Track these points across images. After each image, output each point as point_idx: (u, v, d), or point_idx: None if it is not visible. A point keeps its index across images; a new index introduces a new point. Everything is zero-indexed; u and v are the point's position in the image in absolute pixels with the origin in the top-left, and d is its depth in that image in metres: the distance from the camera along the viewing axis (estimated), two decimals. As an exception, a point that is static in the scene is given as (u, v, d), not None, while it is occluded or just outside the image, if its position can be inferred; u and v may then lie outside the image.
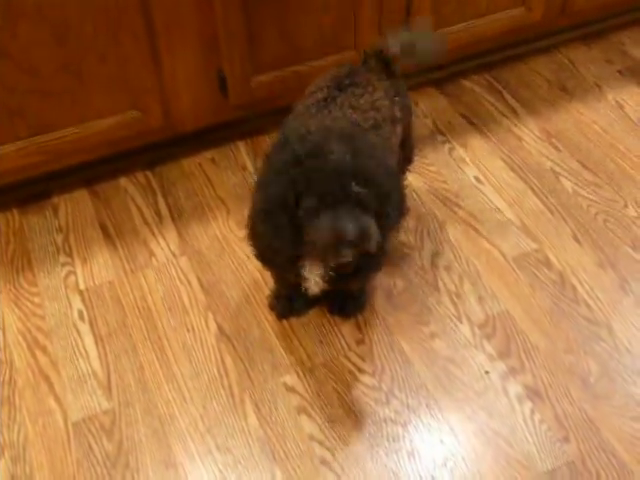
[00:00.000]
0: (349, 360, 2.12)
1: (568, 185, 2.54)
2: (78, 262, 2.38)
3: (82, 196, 2.58)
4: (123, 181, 2.63)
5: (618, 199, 2.49)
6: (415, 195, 2.51)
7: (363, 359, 2.12)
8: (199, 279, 2.32)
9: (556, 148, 2.67)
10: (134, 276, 2.34)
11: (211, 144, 2.72)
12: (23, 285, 2.33)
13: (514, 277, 2.29)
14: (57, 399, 2.07)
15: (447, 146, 2.70)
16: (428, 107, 2.85)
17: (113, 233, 2.46)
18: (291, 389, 2.06)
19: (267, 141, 2.70)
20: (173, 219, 2.50)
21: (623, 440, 1.94)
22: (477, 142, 2.70)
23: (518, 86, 2.91)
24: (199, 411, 2.03)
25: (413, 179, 2.52)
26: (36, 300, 2.29)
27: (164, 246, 2.42)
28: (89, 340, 2.19)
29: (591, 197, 2.50)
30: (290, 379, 2.08)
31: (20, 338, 2.20)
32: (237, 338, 2.17)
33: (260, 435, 1.98)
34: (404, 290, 2.27)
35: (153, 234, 2.45)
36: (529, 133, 2.72)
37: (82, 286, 2.32)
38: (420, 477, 1.89)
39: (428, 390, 2.05)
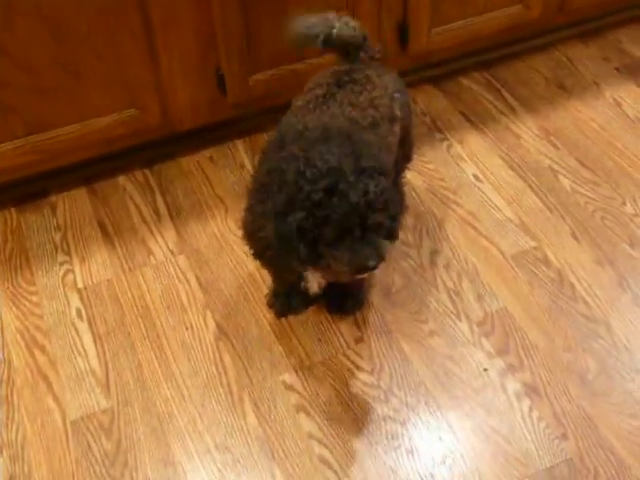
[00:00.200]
0: (348, 358, 2.12)
1: (566, 183, 2.54)
2: (76, 261, 2.38)
3: (80, 194, 2.58)
4: (121, 179, 2.63)
5: (616, 197, 2.49)
6: (414, 193, 2.51)
7: (362, 357, 2.12)
8: (197, 277, 2.32)
9: (554, 146, 2.67)
10: (132, 274, 2.34)
11: (209, 142, 2.72)
12: (21, 284, 2.33)
13: (513, 275, 2.29)
14: (55, 398, 2.07)
15: (445, 144, 2.70)
16: (426, 105, 2.85)
17: (111, 231, 2.46)
18: (290, 387, 2.06)
19: (265, 139, 2.67)
20: (171, 217, 2.50)
21: (621, 437, 1.94)
22: (475, 140, 2.70)
23: (516, 84, 2.91)
24: (198, 409, 2.03)
25: (412, 177, 2.52)
26: (34, 299, 2.29)
27: (162, 244, 2.42)
28: (87, 339, 2.19)
29: (589, 195, 2.50)
30: (289, 377, 2.08)
31: (18, 337, 2.20)
32: (235, 336, 2.17)
33: (259, 434, 1.98)
34: (403, 288, 2.27)
35: (151, 232, 2.45)
36: (527, 131, 2.72)
37: (80, 285, 2.32)
38: (419, 475, 1.89)
39: (427, 388, 2.05)
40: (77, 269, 2.36)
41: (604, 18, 3.07)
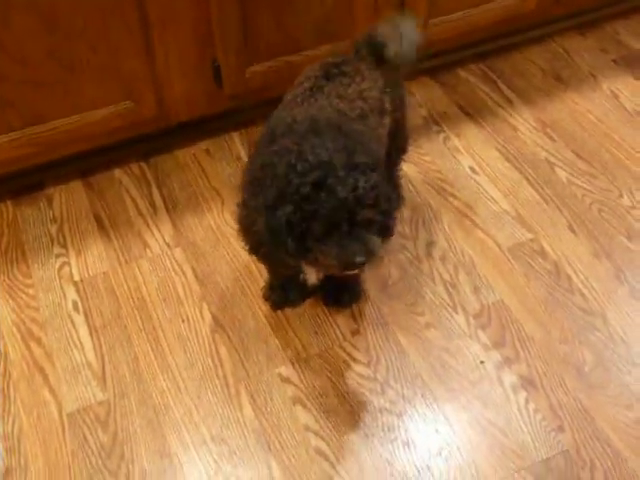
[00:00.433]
0: (344, 350, 2.12)
1: (563, 175, 2.54)
2: (72, 253, 2.38)
3: (76, 187, 2.58)
4: (117, 172, 2.62)
5: (613, 189, 2.49)
6: (410, 185, 2.51)
7: (358, 349, 2.12)
8: (194, 270, 2.32)
9: (551, 138, 2.66)
10: (128, 267, 2.34)
11: (205, 135, 2.71)
12: (17, 277, 2.32)
13: (509, 267, 2.29)
14: (52, 390, 2.07)
15: (442, 136, 2.69)
16: (423, 97, 2.84)
17: (107, 224, 2.46)
18: (286, 380, 2.06)
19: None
20: (167, 210, 2.49)
21: (617, 429, 1.94)
22: (472, 132, 2.70)
23: (513, 76, 2.91)
24: (194, 401, 2.03)
25: (408, 169, 2.52)
26: (30, 291, 2.29)
27: (158, 237, 2.41)
28: (84, 331, 2.19)
29: (586, 187, 2.50)
30: (285, 370, 2.08)
31: (14, 330, 2.20)
32: (232, 329, 2.17)
33: (255, 426, 1.98)
34: (399, 280, 2.27)
35: (147, 225, 2.45)
36: (524, 123, 2.72)
37: (76, 277, 2.31)
38: (415, 467, 1.89)
39: (423, 380, 2.05)
40: (73, 262, 2.36)
41: (602, 9, 3.07)
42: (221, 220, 2.44)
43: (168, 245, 2.39)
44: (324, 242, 1.63)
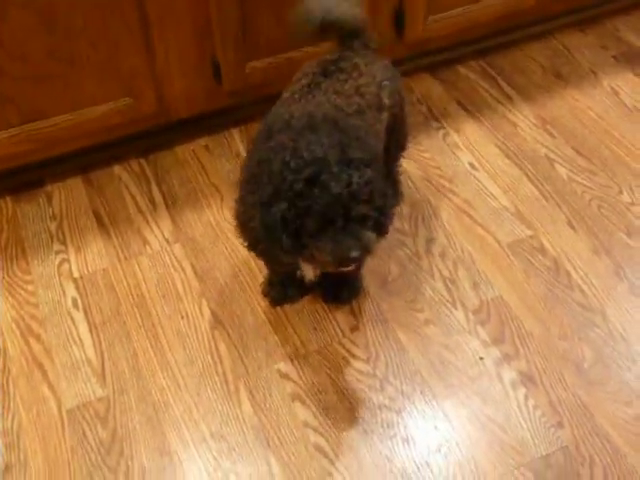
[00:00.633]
0: (343, 347, 2.12)
1: (563, 172, 2.54)
2: (72, 250, 2.38)
3: (76, 184, 2.58)
4: (117, 169, 2.62)
5: (613, 185, 2.49)
6: (410, 181, 2.51)
7: (357, 346, 2.12)
8: (193, 266, 2.32)
9: (551, 134, 2.66)
10: (128, 264, 2.34)
11: (205, 131, 2.71)
12: (17, 273, 2.33)
13: (508, 263, 2.29)
14: (51, 387, 2.07)
15: (441, 132, 2.69)
16: (423, 93, 2.84)
17: (107, 221, 2.46)
18: (285, 376, 2.06)
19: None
20: (167, 207, 2.49)
21: (617, 425, 1.94)
22: (472, 128, 2.70)
23: (513, 72, 2.90)
24: (193, 398, 2.03)
25: (407, 165, 2.52)
26: (30, 288, 2.29)
27: (158, 234, 2.41)
28: (83, 328, 2.19)
29: (586, 183, 2.50)
30: (284, 366, 2.08)
31: (14, 326, 2.20)
32: (231, 325, 2.17)
33: (254, 422, 1.98)
34: (398, 276, 2.27)
35: (147, 222, 2.45)
36: (524, 119, 2.72)
37: (76, 274, 2.31)
38: (414, 463, 1.89)
39: (422, 376, 2.05)
40: (73, 258, 2.35)
41: (602, 6, 3.07)
42: (220, 216, 2.44)
43: (167, 241, 2.39)
44: (319, 238, 1.63)
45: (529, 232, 2.37)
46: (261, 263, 2.22)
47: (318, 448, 1.92)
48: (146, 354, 2.12)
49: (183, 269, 2.31)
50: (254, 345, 2.13)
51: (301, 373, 2.07)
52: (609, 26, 3.08)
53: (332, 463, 1.89)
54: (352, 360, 2.09)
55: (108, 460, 1.92)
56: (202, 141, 2.70)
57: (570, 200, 2.45)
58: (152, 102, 2.45)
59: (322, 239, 1.63)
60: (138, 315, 2.21)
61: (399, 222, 2.38)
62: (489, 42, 2.96)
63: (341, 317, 2.18)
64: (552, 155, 2.59)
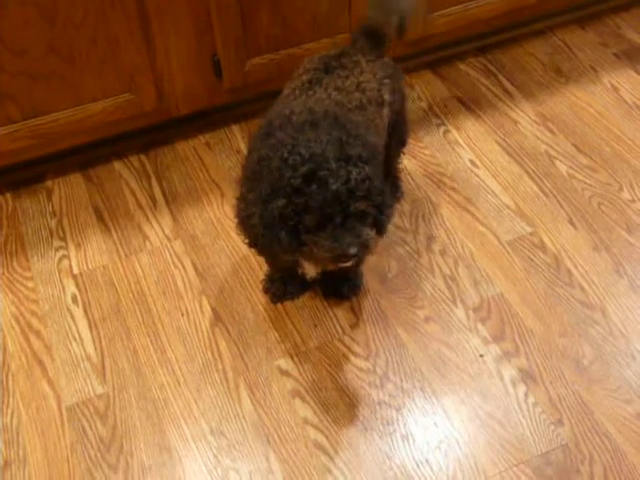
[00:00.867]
0: (343, 344, 2.12)
1: (563, 169, 2.53)
2: (72, 246, 2.38)
3: (76, 180, 2.57)
4: (117, 165, 2.62)
5: (613, 182, 2.49)
6: (410, 178, 2.51)
7: (357, 343, 2.12)
8: (193, 263, 2.32)
9: (551, 131, 2.66)
10: (128, 260, 2.34)
11: (206, 128, 2.71)
12: (17, 269, 2.32)
13: (509, 260, 2.28)
14: (51, 383, 2.07)
15: (442, 129, 2.69)
16: (423, 90, 2.84)
17: (107, 217, 2.46)
18: (285, 373, 2.06)
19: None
20: (167, 203, 2.49)
21: (616, 422, 1.94)
22: (472, 125, 2.69)
23: (513, 69, 2.90)
24: (193, 395, 2.03)
25: (408, 162, 2.52)
26: (30, 284, 2.29)
27: (158, 230, 2.41)
28: (83, 324, 2.19)
29: (586, 180, 2.50)
30: (284, 363, 2.08)
31: (14, 322, 2.20)
32: (231, 322, 2.17)
33: (254, 419, 1.98)
34: (399, 273, 2.26)
35: (147, 218, 2.45)
36: (524, 116, 2.71)
37: (76, 270, 2.31)
38: (414, 460, 1.89)
39: (422, 373, 2.05)
40: (73, 255, 2.35)
41: (603, 3, 3.06)
42: (221, 213, 2.44)
43: (168, 238, 2.39)
44: (317, 234, 1.63)
45: (529, 229, 2.36)
46: (261, 260, 2.21)
47: (318, 445, 1.92)
48: (146, 351, 2.12)
49: (183, 266, 2.31)
50: (254, 342, 2.13)
51: (301, 370, 2.07)
52: (610, 23, 3.07)
53: (332, 460, 1.89)
54: (352, 357, 2.09)
55: (108, 457, 1.93)
56: (203, 137, 2.69)
57: (570, 197, 2.45)
58: (153, 98, 2.45)
59: (320, 236, 1.62)
60: (138, 312, 2.21)
61: (399, 219, 2.38)
62: (490, 39, 2.95)
63: (341, 314, 2.18)
64: (552, 152, 2.59)
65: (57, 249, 2.37)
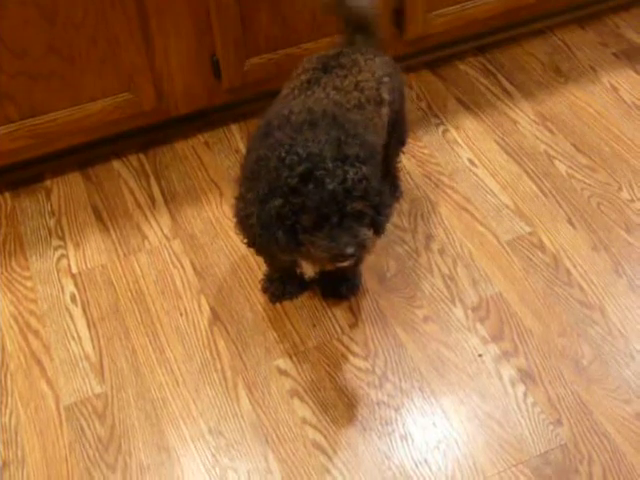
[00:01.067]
0: (342, 343, 2.12)
1: (562, 168, 2.53)
2: (70, 246, 2.38)
3: (75, 179, 2.57)
4: (116, 164, 2.62)
5: (612, 182, 2.49)
6: (409, 178, 2.51)
7: (356, 342, 2.12)
8: (192, 262, 2.31)
9: (550, 131, 2.66)
10: (127, 260, 2.33)
11: (204, 127, 2.71)
12: (15, 269, 2.32)
13: (508, 260, 2.28)
14: (49, 383, 2.07)
15: (441, 128, 2.69)
16: (422, 89, 2.83)
17: (106, 217, 2.45)
18: (284, 373, 2.06)
19: (260, 124, 2.69)
20: (166, 202, 2.49)
21: (616, 422, 1.93)
22: (471, 125, 2.69)
23: (513, 69, 2.90)
24: (192, 395, 2.03)
25: (407, 162, 2.52)
26: (28, 284, 2.29)
27: (157, 229, 2.41)
28: (81, 324, 2.19)
29: (585, 180, 2.49)
30: (283, 363, 2.08)
31: (12, 322, 2.20)
32: (230, 321, 2.17)
33: (253, 419, 1.98)
34: (397, 273, 2.26)
35: (146, 217, 2.45)
36: (524, 116, 2.71)
37: (74, 270, 2.31)
38: (413, 460, 1.89)
39: (421, 373, 2.04)
40: (71, 254, 2.35)
41: (602, 3, 3.06)
42: (220, 212, 2.44)
43: (166, 237, 2.38)
44: (314, 234, 1.63)
45: (528, 229, 2.36)
46: (260, 259, 2.21)
47: (316, 445, 1.92)
48: (145, 350, 2.12)
49: (182, 265, 2.31)
50: (253, 341, 2.13)
51: (300, 370, 2.06)
52: (609, 23, 3.07)
53: (330, 460, 1.89)
54: (351, 357, 2.09)
55: (106, 456, 1.92)
56: (201, 137, 2.69)
57: (569, 197, 2.44)
58: (152, 98, 2.45)
59: (317, 235, 1.63)
60: (137, 311, 2.20)
61: (398, 218, 2.38)
62: (489, 38, 2.95)
63: (340, 314, 2.18)
64: (551, 152, 2.59)
65: (56, 248, 2.37)
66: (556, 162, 2.55)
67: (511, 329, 2.13)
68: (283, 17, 2.44)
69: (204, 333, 2.15)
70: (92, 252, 2.36)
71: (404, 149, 2.33)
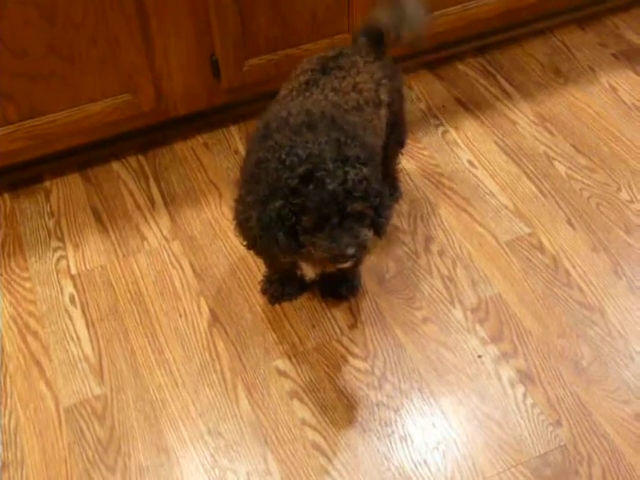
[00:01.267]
0: (341, 344, 2.11)
1: (562, 169, 2.53)
2: (70, 247, 2.37)
3: (74, 180, 2.57)
4: (115, 165, 2.62)
5: (611, 183, 2.49)
6: (408, 179, 2.50)
7: (355, 343, 2.12)
8: (191, 264, 2.31)
9: (550, 132, 2.66)
10: (126, 261, 2.33)
11: (204, 128, 2.71)
12: (14, 270, 2.32)
13: (507, 261, 2.28)
14: (48, 384, 2.07)
15: (441, 129, 2.68)
16: (422, 90, 2.83)
17: (105, 218, 2.45)
18: (283, 374, 2.06)
19: (260, 125, 2.69)
20: (165, 204, 2.49)
21: (615, 423, 1.94)
22: (471, 126, 2.69)
23: (512, 69, 2.90)
24: (191, 396, 2.03)
25: (406, 163, 2.52)
26: (27, 285, 2.28)
27: (156, 231, 2.41)
28: (81, 325, 2.18)
29: (584, 181, 2.49)
30: (282, 364, 2.08)
31: (11, 323, 2.19)
32: (229, 323, 2.17)
33: (252, 420, 1.98)
34: (397, 274, 2.26)
35: (145, 219, 2.45)
36: (523, 117, 2.71)
37: (74, 271, 2.31)
38: (412, 461, 1.89)
39: (420, 374, 2.04)
40: (70, 255, 2.35)
41: (602, 3, 3.06)
42: (219, 214, 2.44)
43: (166, 239, 2.38)
44: (315, 235, 1.63)
45: (528, 230, 2.36)
46: (259, 260, 2.21)
47: (316, 446, 1.92)
48: (144, 351, 2.12)
49: (181, 266, 2.31)
50: (252, 342, 2.13)
51: (299, 371, 2.06)
52: (609, 24, 3.07)
53: (329, 461, 1.89)
54: (350, 358, 2.09)
55: (105, 458, 1.92)
56: (201, 138, 2.69)
57: (569, 198, 2.44)
58: (151, 99, 2.44)
59: (318, 236, 1.63)
60: (136, 312, 2.20)
61: (398, 220, 2.38)
62: (489, 39, 2.95)
63: (339, 315, 2.18)
64: (551, 153, 2.59)
65: (55, 249, 2.37)
66: (555, 163, 2.55)
67: (510, 330, 2.13)
68: (283, 18, 2.44)
69: (203, 334, 2.15)
70: (91, 253, 2.36)
71: (403, 150, 2.32)
